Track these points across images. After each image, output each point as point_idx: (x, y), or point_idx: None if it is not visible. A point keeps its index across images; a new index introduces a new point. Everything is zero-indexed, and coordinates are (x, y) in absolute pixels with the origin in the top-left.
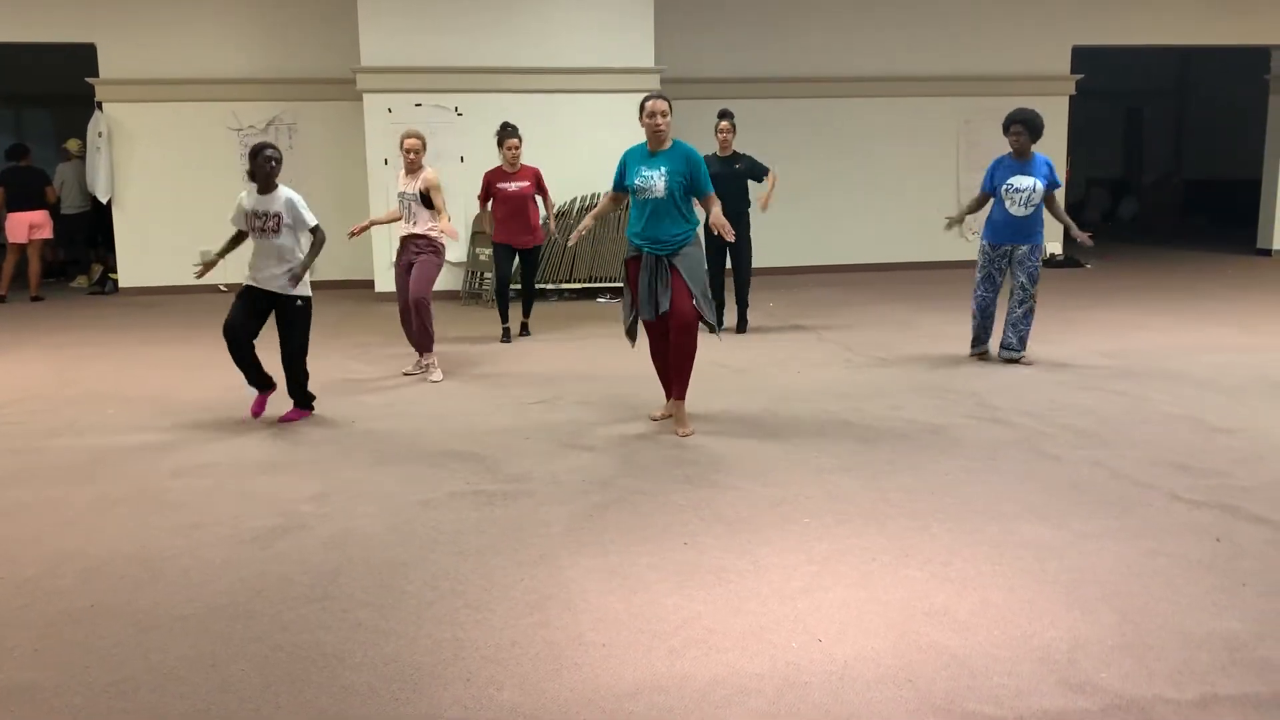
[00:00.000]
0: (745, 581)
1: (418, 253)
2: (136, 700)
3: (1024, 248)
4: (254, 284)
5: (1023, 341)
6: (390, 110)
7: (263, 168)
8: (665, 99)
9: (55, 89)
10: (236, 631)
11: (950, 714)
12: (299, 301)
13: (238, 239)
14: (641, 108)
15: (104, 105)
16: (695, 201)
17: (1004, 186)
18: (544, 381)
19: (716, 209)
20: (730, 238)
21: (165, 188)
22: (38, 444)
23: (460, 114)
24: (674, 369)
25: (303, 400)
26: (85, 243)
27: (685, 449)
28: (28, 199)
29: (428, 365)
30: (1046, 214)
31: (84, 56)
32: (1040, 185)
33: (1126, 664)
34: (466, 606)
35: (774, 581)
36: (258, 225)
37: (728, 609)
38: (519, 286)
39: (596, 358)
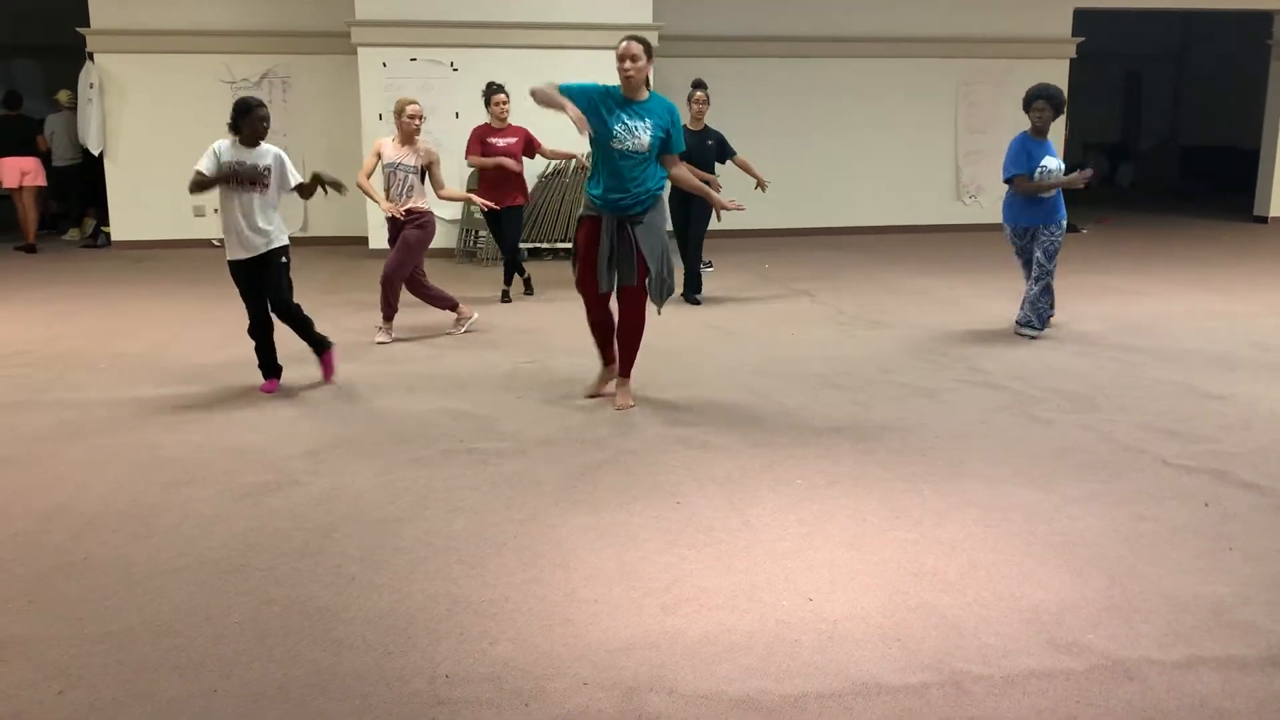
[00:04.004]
0: (736, 540)
1: (414, 225)
2: (130, 652)
3: (1046, 228)
4: (240, 259)
5: (1043, 320)
6: (385, 65)
7: (256, 128)
8: (643, 42)
9: (46, 39)
10: (229, 585)
11: (938, 672)
12: (282, 258)
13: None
14: (616, 49)
15: (95, 56)
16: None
17: (1038, 170)
18: (537, 342)
19: (684, 170)
20: (738, 208)
21: (157, 141)
22: (30, 398)
23: (455, 69)
24: (623, 346)
25: (321, 342)
26: (79, 196)
27: (676, 410)
28: (17, 146)
29: (385, 328)
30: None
31: (75, 6)
32: (1062, 164)
33: (1113, 625)
34: (459, 563)
35: (765, 541)
36: (243, 177)
37: (719, 567)
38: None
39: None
